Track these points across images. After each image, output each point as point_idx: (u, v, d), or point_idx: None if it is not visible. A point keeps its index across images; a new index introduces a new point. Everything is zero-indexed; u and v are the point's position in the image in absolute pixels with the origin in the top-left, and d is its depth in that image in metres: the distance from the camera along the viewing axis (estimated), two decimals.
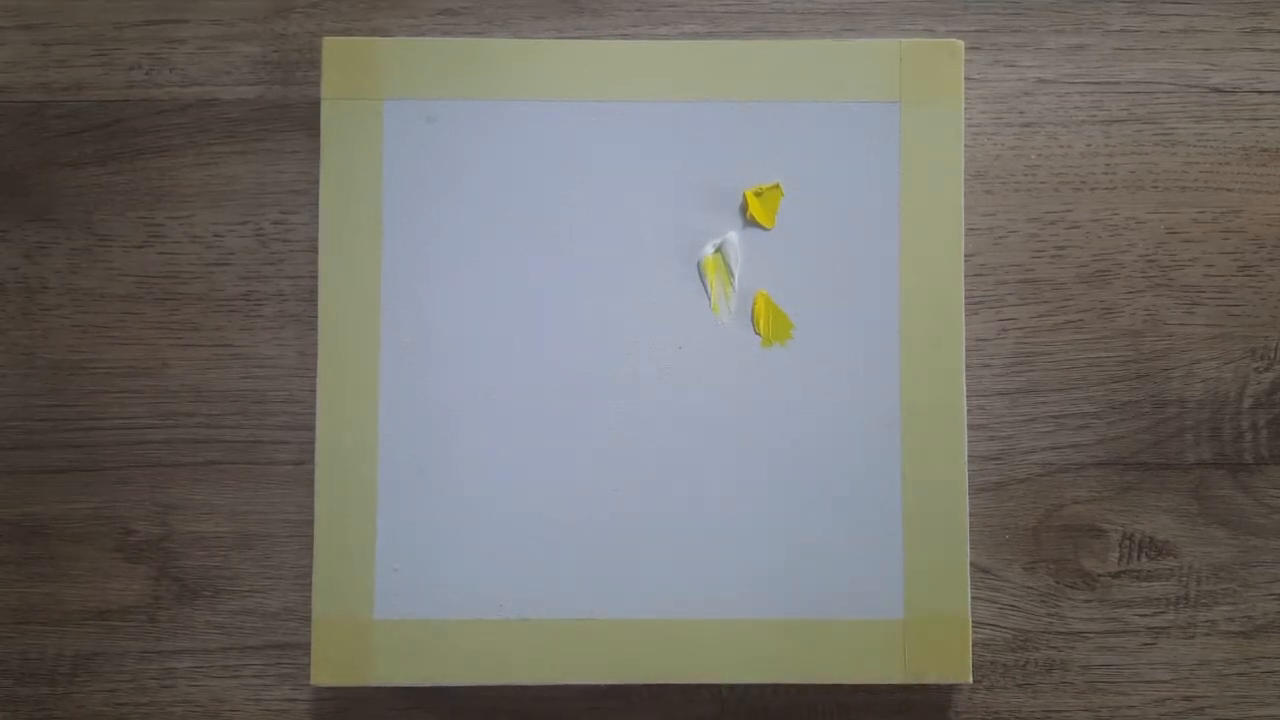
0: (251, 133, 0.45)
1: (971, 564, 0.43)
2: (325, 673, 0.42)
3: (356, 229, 0.43)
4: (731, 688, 0.44)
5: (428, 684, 0.42)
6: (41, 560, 0.44)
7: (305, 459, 0.44)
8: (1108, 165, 0.45)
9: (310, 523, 0.43)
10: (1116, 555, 0.44)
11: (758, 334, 0.43)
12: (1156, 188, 0.45)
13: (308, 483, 0.43)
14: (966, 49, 0.44)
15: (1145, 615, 0.44)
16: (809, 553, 0.42)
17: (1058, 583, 0.44)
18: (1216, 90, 0.45)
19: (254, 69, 0.45)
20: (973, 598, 0.43)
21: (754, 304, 0.43)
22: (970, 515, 0.43)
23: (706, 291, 0.43)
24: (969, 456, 0.43)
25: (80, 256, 0.45)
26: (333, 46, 0.43)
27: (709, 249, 0.43)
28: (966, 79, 0.44)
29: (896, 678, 0.42)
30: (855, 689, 0.44)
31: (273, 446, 0.44)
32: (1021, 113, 0.45)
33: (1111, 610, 0.44)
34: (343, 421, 0.43)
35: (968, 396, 0.44)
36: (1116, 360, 0.45)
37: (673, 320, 0.43)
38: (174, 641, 0.44)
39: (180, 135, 0.45)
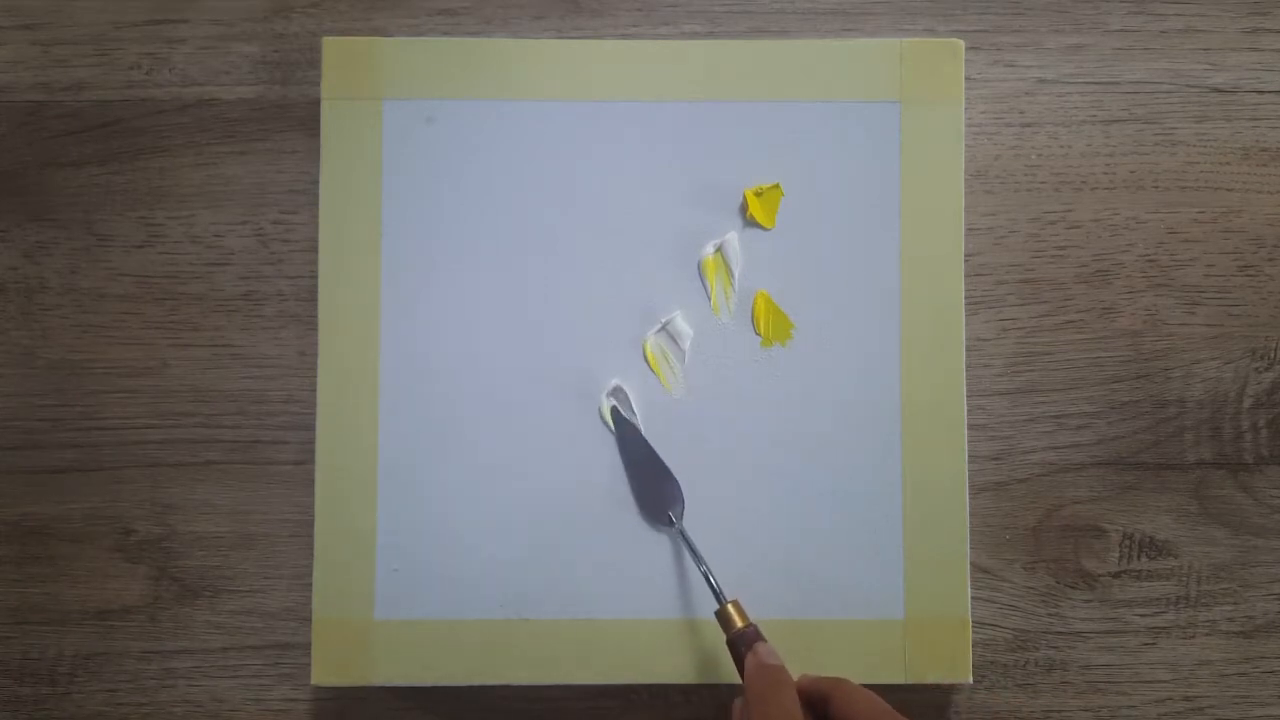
0: (251, 133, 0.45)
1: (971, 564, 0.43)
2: (325, 673, 0.42)
3: (356, 229, 0.43)
4: (731, 688, 0.44)
5: (428, 684, 0.42)
6: (41, 560, 0.44)
7: (305, 459, 0.44)
8: (1108, 165, 0.45)
9: (310, 523, 0.43)
10: (1116, 555, 0.44)
11: (758, 334, 0.43)
12: (1156, 188, 0.45)
13: (308, 483, 0.43)
14: (966, 49, 0.44)
15: (1145, 615, 0.44)
16: (809, 553, 0.42)
17: (1058, 583, 0.44)
18: (1216, 90, 0.45)
19: (254, 69, 0.45)
20: (973, 598, 0.43)
21: (754, 304, 0.43)
22: (970, 515, 0.43)
23: (706, 291, 0.43)
24: (969, 456, 0.43)
25: (80, 256, 0.45)
26: (332, 46, 0.43)
27: (709, 249, 0.43)
28: (966, 79, 0.44)
29: (897, 678, 0.42)
30: None
31: (273, 446, 0.44)
32: (1021, 113, 0.45)
33: (1111, 610, 0.44)
34: (343, 421, 0.43)
35: (968, 396, 0.44)
36: (1116, 360, 0.45)
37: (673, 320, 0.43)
38: (174, 641, 0.44)
39: (180, 135, 0.45)
